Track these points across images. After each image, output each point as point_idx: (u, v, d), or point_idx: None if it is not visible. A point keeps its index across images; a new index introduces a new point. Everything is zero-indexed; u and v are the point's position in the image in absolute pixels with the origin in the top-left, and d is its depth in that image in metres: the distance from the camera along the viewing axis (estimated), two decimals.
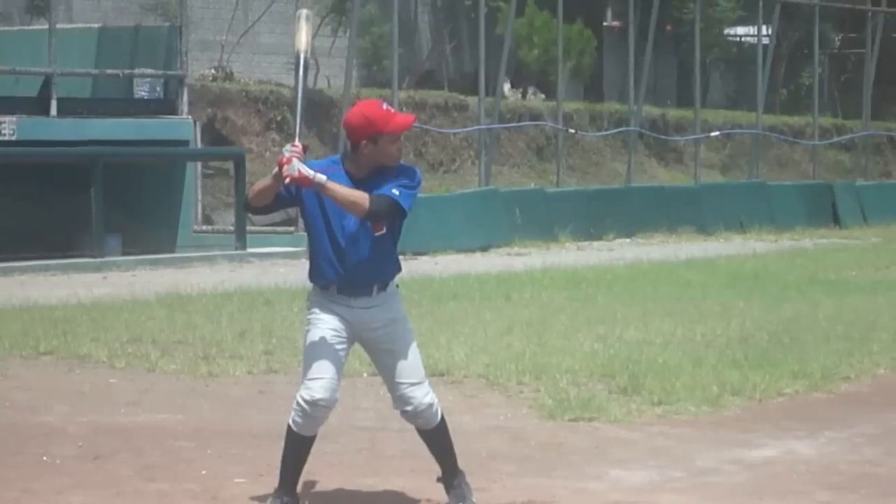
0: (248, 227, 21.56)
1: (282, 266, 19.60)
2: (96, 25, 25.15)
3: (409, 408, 6.68)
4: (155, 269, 19.49)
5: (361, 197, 6.41)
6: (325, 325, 6.59)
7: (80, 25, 25.65)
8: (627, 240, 25.06)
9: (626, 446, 8.39)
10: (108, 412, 9.26)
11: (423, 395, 6.68)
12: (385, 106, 6.55)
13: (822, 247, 24.06)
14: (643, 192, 27.11)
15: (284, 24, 28.25)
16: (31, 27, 25.49)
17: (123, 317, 13.39)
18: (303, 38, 6.78)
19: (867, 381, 10.69)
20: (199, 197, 23.70)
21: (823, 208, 29.23)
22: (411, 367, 6.67)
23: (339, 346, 6.59)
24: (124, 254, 20.60)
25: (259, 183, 6.58)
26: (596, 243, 24.26)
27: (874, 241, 25.37)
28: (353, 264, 6.53)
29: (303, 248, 21.02)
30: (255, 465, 7.72)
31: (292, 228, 22.14)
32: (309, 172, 6.33)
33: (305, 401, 6.57)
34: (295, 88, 6.83)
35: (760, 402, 9.73)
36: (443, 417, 6.79)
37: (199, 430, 8.70)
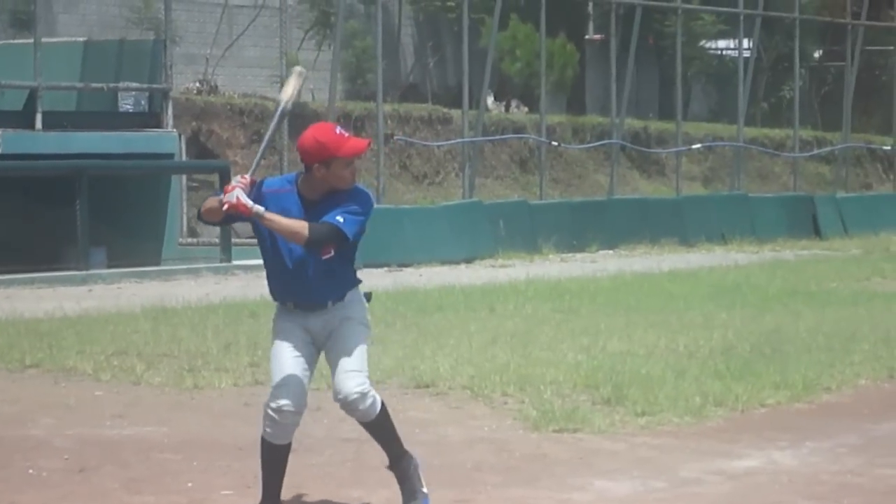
0: (234, 240, 21.59)
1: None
2: (81, 39, 25.16)
3: (339, 396, 6.69)
4: (140, 281, 19.50)
5: (300, 226, 6.49)
6: (288, 334, 6.71)
7: (64, 39, 25.66)
8: (610, 251, 25.14)
9: (609, 457, 8.44)
10: (93, 425, 9.28)
11: (355, 385, 6.65)
12: (339, 130, 6.63)
13: (803, 258, 24.16)
14: (626, 204, 27.19)
15: (269, 37, 28.27)
16: (15, 41, 25.46)
17: (109, 329, 13.41)
18: (289, 92, 6.95)
19: (848, 391, 10.76)
20: (185, 210, 23.71)
21: (804, 220, 29.33)
22: (352, 359, 6.67)
23: (302, 354, 6.69)
24: (109, 267, 20.60)
25: (209, 201, 6.68)
26: (579, 255, 24.33)
27: (855, 252, 25.47)
28: (303, 285, 6.65)
29: None
30: (242, 477, 7.75)
31: None
32: (247, 203, 6.47)
33: (272, 409, 6.67)
34: (266, 130, 6.98)
35: (743, 413, 9.79)
36: (383, 408, 6.78)
37: (184, 443, 8.73)
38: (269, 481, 6.78)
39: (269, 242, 6.67)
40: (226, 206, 6.51)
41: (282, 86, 7.02)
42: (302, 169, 6.68)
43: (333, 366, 6.72)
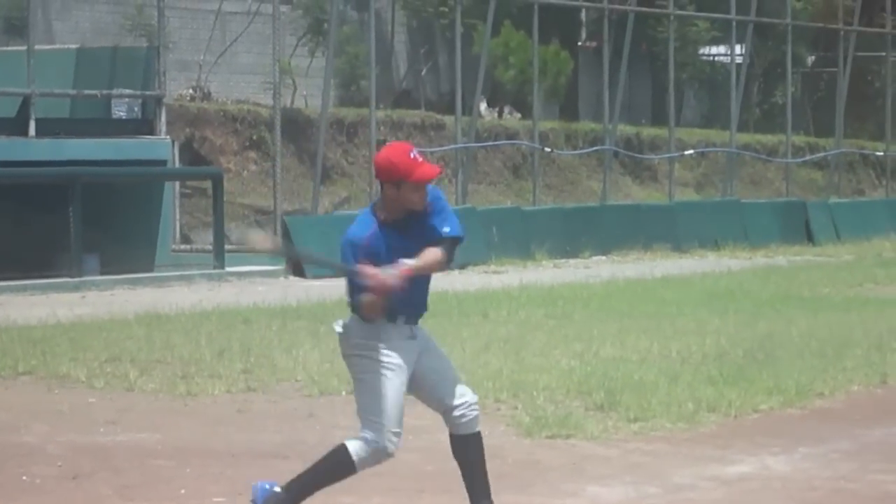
0: (227, 247, 21.60)
1: (260, 285, 19.64)
2: (74, 46, 25.18)
3: (465, 400, 6.67)
4: (133, 288, 19.50)
5: (437, 258, 6.50)
6: (398, 368, 6.55)
7: (58, 46, 25.69)
8: (603, 257, 25.17)
9: (602, 463, 8.46)
10: (87, 432, 9.29)
11: (472, 392, 6.77)
12: (413, 154, 6.52)
13: (796, 264, 24.19)
14: (619, 210, 27.22)
15: (262, 44, 28.27)
16: (9, 48, 25.47)
17: (102, 336, 13.42)
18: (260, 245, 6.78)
19: (841, 397, 10.78)
20: (178, 216, 23.73)
21: (797, 226, 29.38)
22: (456, 373, 6.79)
23: (405, 390, 6.63)
24: (103, 273, 20.61)
25: (370, 305, 6.47)
26: (572, 261, 24.35)
27: (847, 258, 25.51)
28: (419, 295, 6.60)
29: (280, 268, 21.06)
30: (234, 483, 7.76)
31: None
32: (393, 277, 6.35)
33: (386, 451, 6.58)
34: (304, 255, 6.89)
35: (735, 419, 9.81)
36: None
37: (177, 449, 8.73)
38: (312, 488, 6.70)
39: (385, 260, 6.47)
40: (381, 298, 6.35)
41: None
42: (375, 199, 6.65)
43: (442, 379, 6.67)
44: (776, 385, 10.67)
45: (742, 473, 8.26)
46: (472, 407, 6.70)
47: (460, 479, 7.90)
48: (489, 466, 8.32)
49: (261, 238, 6.91)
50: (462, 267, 22.85)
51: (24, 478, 8.01)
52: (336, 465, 6.66)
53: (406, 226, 6.53)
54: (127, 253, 21.58)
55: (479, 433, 6.77)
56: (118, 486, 7.80)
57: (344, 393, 10.07)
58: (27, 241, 20.58)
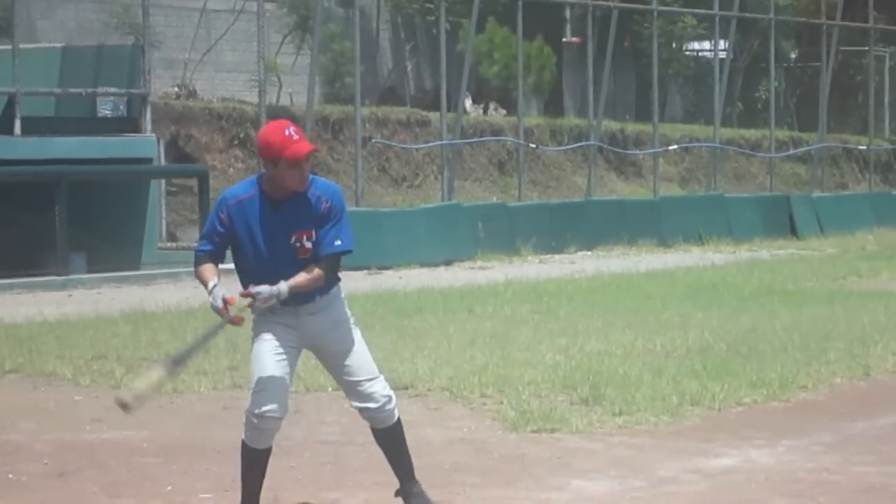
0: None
1: None
2: (59, 45, 25.14)
3: (372, 403, 6.76)
4: (120, 286, 19.51)
5: (316, 280, 6.56)
6: (270, 336, 6.68)
7: (43, 45, 25.63)
8: (588, 252, 25.22)
9: (587, 457, 8.50)
10: (73, 429, 9.31)
11: (382, 388, 6.79)
12: (289, 131, 6.53)
13: (780, 258, 24.26)
14: (603, 206, 27.27)
15: (247, 41, 28.25)
16: None
17: (88, 334, 13.43)
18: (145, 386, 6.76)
19: (824, 390, 10.83)
20: (164, 214, 23.71)
21: (780, 220, 29.46)
22: (365, 363, 6.77)
23: (284, 357, 6.67)
24: (89, 272, 20.60)
25: (203, 280, 6.76)
26: (557, 256, 24.40)
27: (830, 251, 25.59)
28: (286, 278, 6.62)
29: None
30: (221, 480, 7.79)
31: None
32: (267, 303, 6.53)
33: (254, 414, 6.65)
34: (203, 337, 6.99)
35: (719, 412, 9.86)
36: (399, 418, 6.89)
37: (164, 447, 8.76)
38: (248, 485, 6.80)
39: (248, 246, 6.66)
40: (239, 320, 6.54)
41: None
42: (261, 171, 6.69)
43: (348, 373, 6.73)
44: (760, 378, 10.73)
45: (726, 466, 8.31)
46: (380, 403, 6.75)
47: (446, 473, 7.95)
48: (476, 460, 8.39)
49: (136, 389, 6.71)
50: (448, 263, 22.90)
51: (11, 476, 8.03)
52: (241, 455, 6.77)
53: (286, 205, 6.57)
54: (113, 251, 21.57)
55: (390, 426, 6.82)
56: (105, 483, 7.82)
57: (330, 389, 10.11)
58: (13, 240, 20.56)
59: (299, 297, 6.64)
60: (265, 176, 6.63)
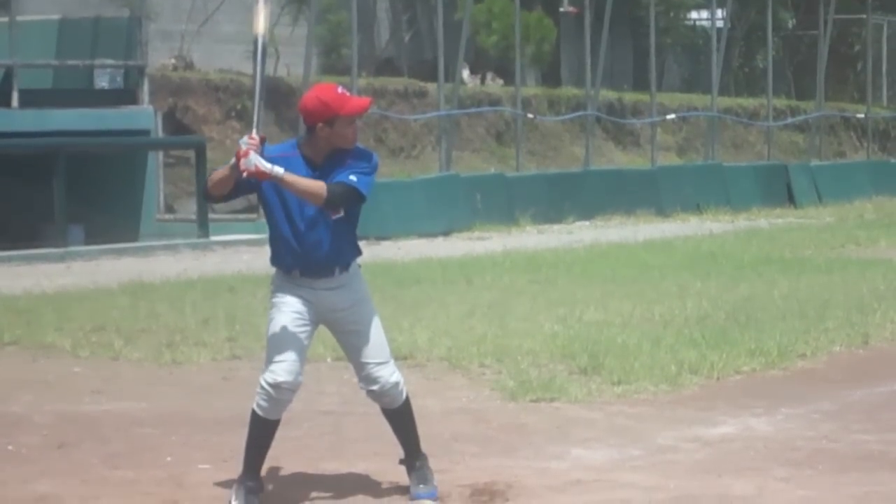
0: (211, 216, 21.58)
1: (245, 253, 19.64)
2: (56, 17, 25.06)
3: (375, 387, 6.76)
4: (118, 258, 19.50)
5: (319, 187, 6.47)
6: (289, 309, 6.64)
7: (40, 17, 25.55)
8: (586, 222, 25.21)
9: (586, 426, 8.51)
10: (72, 401, 9.32)
11: (389, 373, 6.78)
12: (340, 90, 6.61)
13: (778, 227, 24.26)
14: (601, 176, 27.25)
15: (244, 12, 28.10)
16: None
17: (87, 306, 13.43)
18: (261, 22, 6.79)
19: (823, 358, 10.85)
20: (161, 186, 23.68)
21: (778, 189, 29.45)
22: (377, 346, 6.76)
23: (302, 329, 6.64)
24: (87, 243, 20.58)
25: (217, 173, 6.62)
26: (556, 226, 24.38)
27: (828, 220, 25.59)
28: (313, 248, 6.60)
29: (265, 236, 21.04)
30: (220, 451, 7.79)
31: (255, 216, 22.16)
32: (265, 166, 6.36)
33: (269, 384, 6.62)
34: (253, 75, 6.77)
35: (718, 381, 9.88)
36: (407, 398, 6.89)
37: (163, 418, 8.77)
38: (252, 455, 6.76)
39: (279, 207, 6.58)
40: (245, 173, 6.33)
41: (251, 24, 6.79)
42: (300, 135, 6.65)
43: (357, 353, 6.72)
44: (758, 347, 10.74)
45: (725, 434, 8.32)
46: (385, 388, 6.75)
47: (445, 443, 7.97)
48: (475, 430, 8.40)
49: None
50: (446, 233, 22.89)
51: (10, 447, 8.03)
52: (250, 426, 6.73)
53: (324, 163, 6.56)
54: (111, 223, 21.56)
55: (396, 407, 6.83)
56: (104, 454, 7.83)
57: (329, 359, 10.12)
58: (11, 212, 20.55)
59: (318, 270, 6.60)
60: (307, 141, 6.62)
